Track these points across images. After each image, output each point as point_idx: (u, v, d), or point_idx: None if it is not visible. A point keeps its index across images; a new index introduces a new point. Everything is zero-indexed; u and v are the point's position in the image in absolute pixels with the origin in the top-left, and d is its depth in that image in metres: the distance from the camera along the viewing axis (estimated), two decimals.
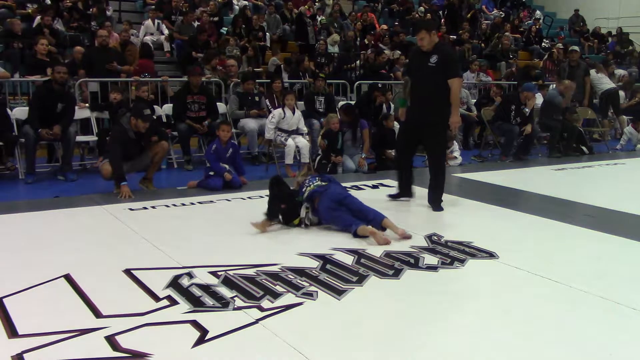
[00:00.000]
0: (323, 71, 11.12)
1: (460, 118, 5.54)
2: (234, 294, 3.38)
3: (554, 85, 10.11)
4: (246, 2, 14.49)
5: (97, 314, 3.10)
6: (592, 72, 11.61)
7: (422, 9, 17.00)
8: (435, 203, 5.64)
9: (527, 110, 8.97)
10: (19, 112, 7.27)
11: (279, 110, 7.81)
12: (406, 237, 4.51)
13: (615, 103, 11.63)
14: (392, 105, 9.57)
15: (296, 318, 3.11)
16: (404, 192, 5.92)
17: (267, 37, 13.07)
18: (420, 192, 5.96)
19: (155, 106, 8.29)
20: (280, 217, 4.78)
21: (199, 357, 2.69)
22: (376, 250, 4.20)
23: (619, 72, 14.65)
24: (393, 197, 5.94)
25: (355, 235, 4.49)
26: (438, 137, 5.61)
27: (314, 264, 3.93)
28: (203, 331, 2.91)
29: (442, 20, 16.21)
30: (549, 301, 3.41)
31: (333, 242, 4.38)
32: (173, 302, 3.26)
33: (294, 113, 7.83)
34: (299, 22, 13.81)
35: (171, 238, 4.49)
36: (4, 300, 3.26)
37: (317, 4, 15.60)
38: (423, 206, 5.77)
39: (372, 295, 3.45)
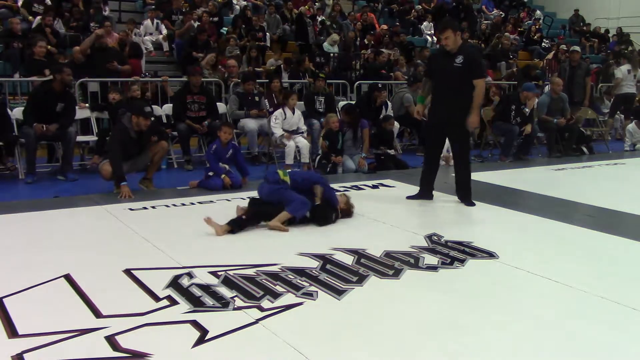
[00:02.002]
0: (323, 71, 11.12)
1: (478, 119, 5.56)
2: (234, 294, 3.37)
3: (547, 89, 10.10)
4: (246, 2, 14.49)
5: (97, 314, 3.10)
6: (624, 68, 11.39)
7: (420, 7, 17.03)
8: (465, 199, 5.76)
9: (527, 110, 8.98)
10: (19, 112, 7.25)
11: (280, 110, 7.82)
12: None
13: (628, 107, 11.60)
14: (390, 105, 9.57)
15: (296, 318, 3.11)
16: (425, 193, 5.96)
17: (267, 37, 13.08)
18: (413, 190, 6.02)
19: (155, 106, 8.30)
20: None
21: (199, 357, 2.69)
22: (376, 250, 4.21)
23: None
24: (413, 197, 5.96)
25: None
26: (463, 134, 5.74)
27: (314, 264, 3.93)
28: (203, 331, 2.91)
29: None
30: (549, 301, 3.42)
31: (333, 242, 4.38)
32: (173, 302, 3.26)
33: (293, 113, 7.84)
34: (299, 22, 13.81)
35: (171, 238, 4.49)
36: (4, 300, 3.26)
37: (317, 4, 15.60)
38: (423, 206, 5.78)
39: (372, 295, 3.45)
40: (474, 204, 5.73)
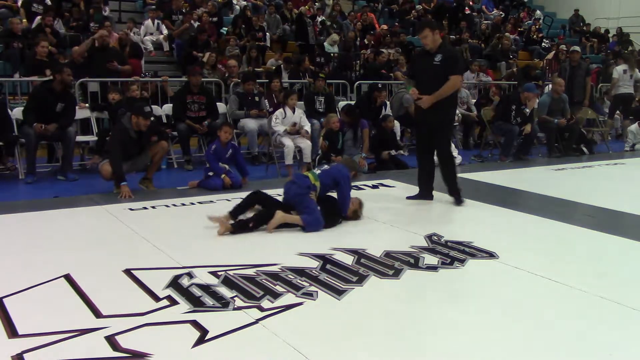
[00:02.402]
0: (323, 71, 11.12)
1: (429, 104, 5.52)
2: (234, 294, 3.38)
3: (548, 88, 10.07)
4: (246, 2, 14.49)
5: (97, 314, 3.10)
6: (620, 68, 11.29)
7: (420, 7, 17.03)
8: (452, 195, 5.77)
9: (527, 110, 8.98)
10: (19, 112, 7.25)
11: (280, 110, 7.82)
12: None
13: (627, 107, 11.57)
14: (388, 104, 9.57)
15: (296, 318, 3.11)
16: (425, 193, 5.96)
17: (267, 37, 13.08)
18: (413, 190, 5.98)
19: (155, 106, 8.30)
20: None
21: (199, 357, 2.69)
22: (376, 250, 4.21)
23: None
24: (413, 198, 5.96)
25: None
26: (443, 133, 5.77)
27: (314, 264, 3.93)
28: (203, 331, 2.91)
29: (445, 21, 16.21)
30: (549, 301, 3.42)
31: (333, 242, 4.38)
32: (173, 302, 3.26)
33: (294, 112, 7.83)
34: (299, 22, 13.81)
35: (171, 238, 4.50)
36: (4, 300, 3.26)
37: (317, 4, 15.60)
38: (423, 206, 5.78)
39: (372, 295, 3.45)
40: (462, 202, 5.72)
